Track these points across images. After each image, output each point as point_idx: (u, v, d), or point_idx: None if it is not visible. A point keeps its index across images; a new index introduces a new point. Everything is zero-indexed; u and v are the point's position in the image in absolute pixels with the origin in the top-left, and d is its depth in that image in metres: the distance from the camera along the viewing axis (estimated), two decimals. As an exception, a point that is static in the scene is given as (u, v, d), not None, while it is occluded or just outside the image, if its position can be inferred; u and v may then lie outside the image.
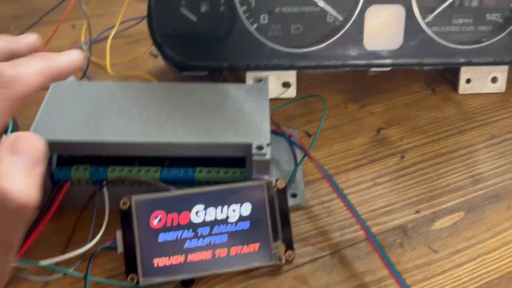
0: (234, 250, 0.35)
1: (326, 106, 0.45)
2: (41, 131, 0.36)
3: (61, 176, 0.37)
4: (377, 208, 0.40)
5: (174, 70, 0.51)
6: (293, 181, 0.41)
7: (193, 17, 0.46)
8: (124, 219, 0.34)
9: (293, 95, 0.50)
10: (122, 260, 0.34)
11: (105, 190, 0.37)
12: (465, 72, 0.50)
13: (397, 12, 0.47)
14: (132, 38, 0.58)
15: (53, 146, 0.36)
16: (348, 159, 0.44)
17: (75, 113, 0.38)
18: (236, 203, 0.35)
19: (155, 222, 0.34)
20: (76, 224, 0.38)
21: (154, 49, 0.50)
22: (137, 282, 0.33)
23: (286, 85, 0.50)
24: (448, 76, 0.53)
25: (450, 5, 0.48)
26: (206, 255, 0.34)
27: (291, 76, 0.49)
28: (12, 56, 0.29)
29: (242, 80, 0.49)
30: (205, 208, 0.35)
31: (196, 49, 0.47)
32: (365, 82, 0.52)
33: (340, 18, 0.47)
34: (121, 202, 0.34)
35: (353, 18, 0.47)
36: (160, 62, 0.52)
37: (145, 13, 0.46)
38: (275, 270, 0.36)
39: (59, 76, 0.30)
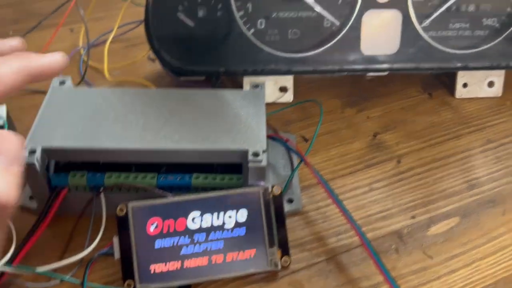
0: (230, 256, 0.35)
1: (322, 111, 0.45)
2: (39, 138, 0.37)
3: (59, 182, 0.38)
4: (373, 213, 0.40)
5: (171, 75, 0.51)
6: (290, 186, 0.41)
7: (190, 22, 0.47)
8: (121, 225, 0.35)
9: (290, 100, 0.50)
10: (119, 266, 0.34)
11: (102, 196, 0.37)
12: (462, 77, 0.51)
13: (393, 17, 0.47)
14: (130, 42, 0.58)
15: (50, 153, 0.37)
16: (345, 164, 0.44)
17: (72, 120, 0.38)
18: (232, 209, 0.35)
19: (151, 229, 0.35)
20: (74, 230, 0.38)
21: (152, 54, 0.50)
22: (134, 288, 0.34)
23: (283, 89, 0.50)
24: (445, 80, 0.53)
25: (447, 9, 0.48)
26: (202, 261, 0.35)
27: (288, 80, 0.49)
28: None
29: (239, 84, 0.50)
30: (202, 215, 0.35)
31: (193, 54, 0.47)
32: (362, 86, 0.52)
33: (337, 23, 0.47)
34: (118, 208, 0.35)
35: (350, 23, 0.47)
36: (158, 66, 0.52)
37: (143, 16, 0.46)
38: (271, 276, 0.36)
39: (40, 76, 0.30)
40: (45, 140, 0.37)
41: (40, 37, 0.56)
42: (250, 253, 0.35)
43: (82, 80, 0.51)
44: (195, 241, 0.35)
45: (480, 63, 0.49)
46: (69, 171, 0.38)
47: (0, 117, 0.40)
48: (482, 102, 0.51)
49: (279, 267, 0.35)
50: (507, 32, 0.49)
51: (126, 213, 0.34)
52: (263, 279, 0.36)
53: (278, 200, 0.36)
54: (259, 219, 0.35)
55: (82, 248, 0.36)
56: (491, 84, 0.51)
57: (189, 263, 0.34)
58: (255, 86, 0.42)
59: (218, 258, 0.35)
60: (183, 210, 0.35)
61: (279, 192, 0.36)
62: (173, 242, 0.35)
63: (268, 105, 0.49)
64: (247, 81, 0.49)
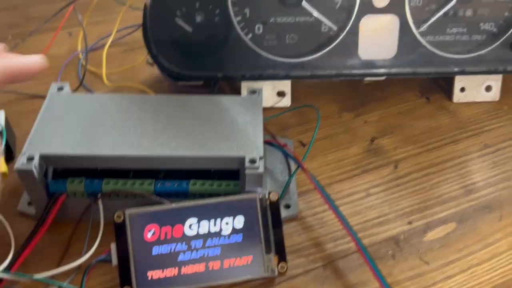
0: (228, 263, 0.35)
1: (319, 117, 0.45)
2: (37, 145, 0.37)
3: (57, 189, 0.38)
4: (370, 219, 0.40)
5: (169, 80, 0.51)
6: (287, 192, 0.42)
7: (188, 28, 0.47)
8: (119, 232, 0.35)
9: (288, 104, 0.50)
10: (117, 272, 0.34)
11: (100, 202, 0.38)
12: (460, 81, 0.51)
13: (391, 22, 0.47)
14: (129, 46, 0.58)
15: (48, 160, 0.37)
16: (342, 169, 0.45)
17: (70, 126, 0.38)
18: (229, 216, 0.36)
19: (149, 235, 0.35)
20: (72, 236, 0.39)
21: (150, 58, 0.50)
22: (131, 295, 0.34)
23: (281, 94, 0.50)
24: (442, 84, 0.53)
25: (444, 14, 0.48)
26: (199, 267, 0.35)
27: (286, 85, 0.50)
28: None
29: (237, 89, 0.50)
30: (199, 221, 0.35)
31: (191, 59, 0.47)
32: (359, 91, 0.52)
33: (335, 28, 0.48)
34: (116, 215, 0.35)
35: (347, 28, 0.47)
36: (156, 70, 0.52)
37: (141, 20, 0.46)
38: (268, 282, 0.36)
39: (17, 77, 0.30)
40: (43, 147, 0.37)
41: (39, 41, 0.56)
42: (247, 259, 0.35)
43: (80, 85, 0.51)
44: (192, 248, 0.35)
45: (478, 67, 0.49)
46: (67, 177, 0.38)
47: (-2, 123, 0.40)
48: (480, 107, 0.51)
49: (276, 273, 0.35)
50: (505, 37, 0.49)
51: (124, 220, 0.35)
52: (260, 285, 0.36)
53: (275, 207, 0.36)
54: (256, 225, 0.36)
55: (80, 254, 0.36)
56: (488, 88, 0.51)
57: (186, 270, 0.35)
58: (253, 92, 0.42)
59: (215, 265, 0.35)
60: (180, 217, 0.35)
61: (276, 198, 0.36)
62: (170, 249, 0.35)
63: (266, 109, 0.49)
64: (245, 86, 0.49)
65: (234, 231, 0.35)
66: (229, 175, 0.38)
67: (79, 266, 0.36)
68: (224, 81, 0.50)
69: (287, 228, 0.39)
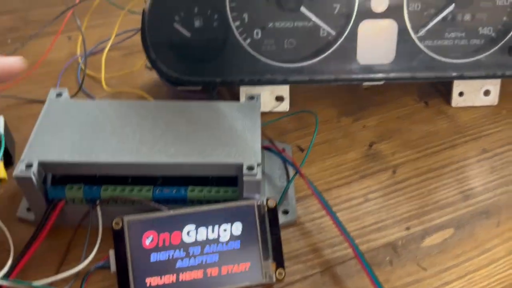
0: (225, 269, 0.35)
1: (317, 122, 0.45)
2: (35, 152, 0.37)
3: (55, 195, 0.38)
4: (368, 225, 0.41)
5: (168, 85, 0.51)
6: (285, 197, 0.42)
7: (186, 33, 0.47)
8: (117, 239, 0.35)
9: (287, 109, 0.50)
10: (115, 279, 0.34)
11: (98, 208, 0.38)
12: (458, 85, 0.51)
13: (389, 27, 0.48)
14: (128, 50, 0.58)
15: (47, 167, 0.37)
16: (340, 174, 0.45)
17: (69, 133, 0.38)
18: (227, 222, 0.36)
19: (147, 242, 0.35)
20: (71, 242, 0.39)
21: (149, 63, 0.50)
22: (130, 302, 0.34)
23: (279, 99, 0.50)
24: (441, 89, 0.53)
25: (443, 19, 0.48)
26: (197, 274, 0.35)
27: (284, 90, 0.50)
28: None
29: (236, 94, 0.50)
30: (196, 228, 0.35)
31: (190, 65, 0.48)
32: (358, 95, 0.52)
33: (333, 32, 0.48)
34: (114, 222, 0.35)
35: (346, 33, 0.47)
36: (155, 75, 0.52)
37: (140, 24, 0.47)
38: (266, 289, 0.36)
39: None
40: (42, 153, 0.37)
41: (38, 44, 0.57)
42: (245, 266, 0.35)
43: (79, 90, 0.51)
44: (190, 254, 0.35)
45: (476, 72, 0.49)
46: (66, 183, 0.38)
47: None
48: (478, 111, 0.51)
49: (274, 279, 0.35)
50: (503, 41, 0.49)
51: (122, 227, 0.35)
52: (258, 292, 0.36)
53: (273, 213, 0.36)
54: (254, 232, 0.36)
55: (79, 260, 0.36)
56: (487, 92, 0.51)
57: (185, 276, 0.35)
58: (251, 97, 0.42)
59: (213, 271, 0.35)
60: (178, 224, 0.35)
61: (274, 205, 0.36)
62: (169, 256, 0.35)
63: (265, 114, 0.49)
64: (243, 91, 0.49)
65: (232, 237, 0.36)
66: (227, 181, 0.38)
67: (78, 273, 0.36)
68: (223, 86, 0.50)
69: (285, 234, 0.40)
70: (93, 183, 0.38)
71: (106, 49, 0.55)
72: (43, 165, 0.37)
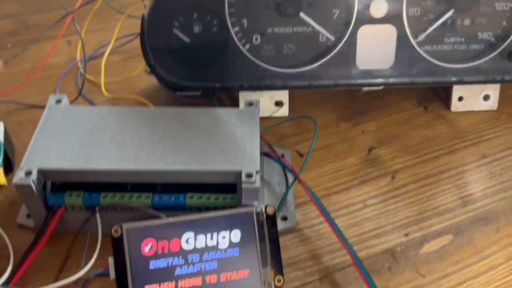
0: (224, 277, 0.35)
1: (316, 128, 0.46)
2: (35, 159, 0.37)
3: (55, 202, 0.38)
4: (367, 231, 0.41)
5: (167, 90, 0.51)
6: (284, 203, 0.42)
7: (186, 38, 0.47)
8: (116, 246, 0.35)
9: (286, 114, 0.50)
10: (115, 286, 0.34)
11: (97, 215, 0.38)
12: (457, 90, 0.51)
13: (388, 32, 0.48)
14: (128, 54, 0.58)
15: (46, 174, 0.37)
16: (339, 180, 0.45)
17: (68, 140, 0.38)
18: (226, 230, 0.36)
19: (146, 250, 0.35)
20: (70, 248, 0.39)
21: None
22: (129, 309, 0.34)
23: (278, 104, 0.50)
24: (440, 93, 0.53)
25: (442, 24, 0.48)
26: (196, 281, 0.35)
27: (283, 95, 0.50)
28: None
29: (236, 98, 0.50)
30: (195, 235, 0.35)
31: (189, 70, 0.48)
32: (357, 100, 0.52)
33: (332, 38, 0.48)
34: (113, 230, 0.35)
35: (345, 38, 0.47)
36: (155, 79, 0.52)
37: (139, 29, 0.47)
38: (264, 296, 0.36)
39: None
40: (41, 161, 0.37)
41: (38, 49, 0.57)
42: (243, 273, 0.35)
43: (79, 95, 0.51)
44: (189, 262, 0.35)
45: (476, 77, 0.49)
46: (65, 190, 0.38)
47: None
48: (478, 116, 0.51)
49: (273, 287, 0.35)
50: (503, 46, 0.49)
51: (121, 234, 0.35)
52: (257, 299, 0.36)
53: (271, 220, 0.36)
54: (252, 239, 0.36)
55: (79, 267, 0.36)
56: (486, 97, 0.51)
57: (183, 284, 0.35)
58: (250, 104, 0.42)
59: (212, 279, 0.35)
60: (177, 231, 0.35)
61: (272, 212, 0.36)
62: (168, 263, 0.35)
63: (264, 119, 0.49)
64: (243, 96, 0.49)
65: (231, 245, 0.36)
66: (226, 188, 0.38)
67: (77, 280, 0.36)
68: (222, 91, 0.50)
69: (284, 240, 0.40)
70: (92, 190, 0.38)
71: (106, 54, 0.55)
72: (42, 173, 0.37)
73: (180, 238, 0.35)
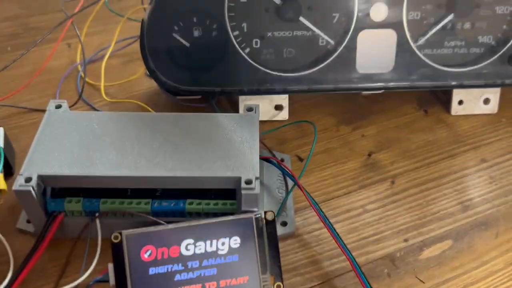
0: (224, 283, 0.35)
1: (316, 133, 0.46)
2: (35, 165, 0.37)
3: (55, 208, 0.38)
4: (366, 236, 0.41)
5: (167, 95, 0.51)
6: (284, 209, 0.42)
7: (185, 43, 0.47)
8: (116, 252, 0.35)
9: (286, 118, 0.50)
10: (114, 292, 0.35)
11: (97, 221, 0.38)
12: (458, 94, 0.51)
13: (388, 36, 0.47)
14: (128, 57, 0.58)
15: (46, 180, 0.37)
16: (339, 185, 0.45)
17: (68, 146, 0.39)
18: (225, 236, 0.36)
19: (145, 256, 0.35)
20: (70, 254, 0.39)
21: (148, 71, 0.50)
22: (129, 315, 0.34)
23: (278, 107, 0.50)
24: (441, 96, 0.53)
25: (442, 28, 0.48)
26: None
27: (283, 99, 0.50)
28: None
29: (236, 102, 0.50)
30: (195, 242, 0.35)
31: (189, 74, 0.48)
32: (357, 104, 0.52)
33: (332, 42, 0.48)
34: (113, 236, 0.35)
35: (345, 42, 0.47)
36: (155, 83, 0.52)
37: (139, 31, 0.46)
38: (264, 302, 0.36)
39: None
40: (41, 167, 0.37)
41: (38, 52, 0.57)
42: (243, 279, 0.35)
43: (79, 99, 0.51)
44: (189, 268, 0.35)
45: (476, 81, 0.49)
46: (65, 196, 0.38)
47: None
48: (478, 119, 0.51)
49: (272, 293, 0.35)
50: (503, 50, 0.49)
51: (121, 241, 0.35)
52: (256, 305, 0.36)
53: (271, 226, 0.36)
54: (252, 245, 0.36)
55: (79, 272, 0.37)
56: (486, 101, 0.51)
57: (183, 290, 0.35)
58: (249, 109, 0.42)
59: (211, 285, 0.35)
60: (176, 238, 0.35)
61: (272, 218, 0.36)
62: (167, 269, 0.35)
63: (264, 123, 0.49)
64: (242, 100, 0.49)
65: (230, 251, 0.36)
66: (225, 193, 0.38)
67: (77, 286, 0.36)
68: (222, 95, 0.50)
69: (283, 246, 0.40)
70: (92, 195, 0.38)
71: (106, 57, 0.55)
72: (42, 179, 0.37)
73: (180, 245, 0.35)
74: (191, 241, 0.35)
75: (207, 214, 0.38)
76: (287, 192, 0.43)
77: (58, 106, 0.42)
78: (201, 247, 0.35)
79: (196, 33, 0.47)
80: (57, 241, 0.39)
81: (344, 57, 0.48)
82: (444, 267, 0.39)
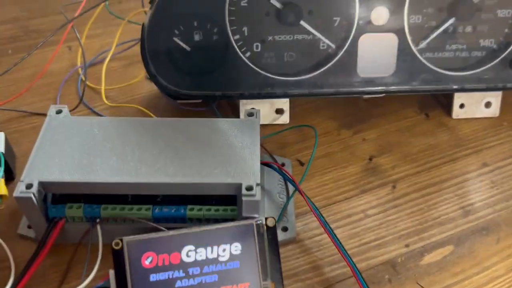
0: (224, 290, 0.35)
1: (317, 137, 0.45)
2: (35, 171, 0.37)
3: (56, 214, 0.38)
4: (367, 241, 0.41)
5: (168, 99, 0.51)
6: (285, 214, 0.42)
7: (186, 47, 0.47)
8: (117, 259, 0.35)
9: (287, 121, 0.50)
10: (115, 299, 0.35)
11: (98, 227, 0.38)
12: (459, 97, 0.51)
13: (389, 40, 0.47)
14: (129, 60, 0.58)
15: (47, 186, 0.37)
16: (340, 189, 0.45)
17: (69, 151, 0.38)
18: (226, 243, 0.36)
19: (146, 262, 0.35)
20: (72, 259, 0.39)
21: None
22: (129, 323, 0.34)
23: (279, 111, 0.50)
24: (442, 100, 0.53)
25: (444, 31, 0.47)
26: (197, 294, 0.35)
27: (284, 103, 0.50)
28: None
29: (236, 106, 0.50)
30: (196, 248, 0.35)
31: (190, 78, 0.48)
32: (358, 107, 0.52)
33: (333, 46, 0.47)
34: (113, 243, 0.35)
35: (346, 46, 0.47)
36: (155, 86, 0.52)
37: (140, 34, 0.46)
38: (265, 308, 0.36)
39: None
40: (42, 173, 0.37)
41: (39, 54, 0.57)
42: (244, 286, 0.35)
43: (80, 103, 0.51)
44: (190, 275, 0.35)
45: (477, 84, 0.49)
46: (66, 202, 0.38)
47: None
48: (479, 123, 0.51)
49: (273, 299, 0.35)
50: (505, 54, 0.48)
51: (122, 247, 0.35)
52: (257, 311, 0.36)
53: (272, 233, 0.36)
54: (253, 252, 0.36)
55: (80, 278, 0.37)
56: (488, 104, 0.51)
57: (184, 296, 0.35)
58: (250, 114, 0.42)
59: (212, 291, 0.35)
60: (177, 244, 0.35)
61: (273, 224, 0.36)
62: (168, 276, 0.35)
63: (264, 127, 0.49)
64: (243, 103, 0.49)
65: (231, 257, 0.36)
66: (226, 199, 0.38)
67: (78, 293, 0.36)
68: (223, 99, 0.50)
69: (284, 252, 0.40)
70: (93, 201, 0.38)
71: (107, 60, 0.55)
72: (43, 185, 0.37)
73: (181, 251, 0.35)
74: (192, 247, 0.35)
75: (208, 220, 0.38)
76: (288, 197, 0.43)
77: (59, 111, 0.42)
78: (202, 253, 0.35)
79: (196, 37, 0.46)
80: (58, 247, 0.39)
81: (345, 61, 0.48)
82: (445, 273, 0.39)
